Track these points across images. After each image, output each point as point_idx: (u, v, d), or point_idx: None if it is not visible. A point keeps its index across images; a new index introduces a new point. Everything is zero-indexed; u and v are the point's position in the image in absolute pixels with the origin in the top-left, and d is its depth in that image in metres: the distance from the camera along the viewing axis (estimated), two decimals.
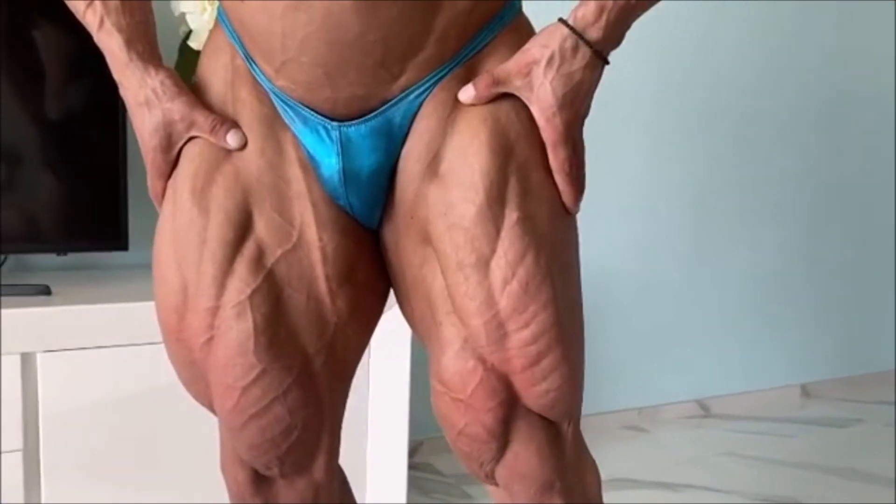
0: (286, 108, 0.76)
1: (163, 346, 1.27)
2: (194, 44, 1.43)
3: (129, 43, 0.75)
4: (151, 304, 1.30)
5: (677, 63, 2.27)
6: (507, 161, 0.73)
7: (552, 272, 0.72)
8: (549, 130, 0.73)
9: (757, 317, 2.52)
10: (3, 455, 1.20)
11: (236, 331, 0.74)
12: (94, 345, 1.25)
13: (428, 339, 0.79)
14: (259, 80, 0.76)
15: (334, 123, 0.74)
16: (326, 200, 0.76)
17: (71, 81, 1.43)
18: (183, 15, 1.42)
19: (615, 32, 0.72)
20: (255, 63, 0.76)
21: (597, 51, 0.71)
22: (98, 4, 0.75)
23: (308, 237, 0.75)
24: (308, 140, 0.76)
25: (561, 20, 0.72)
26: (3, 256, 1.50)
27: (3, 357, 1.19)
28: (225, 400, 0.76)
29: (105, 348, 1.25)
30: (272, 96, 0.76)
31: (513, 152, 0.73)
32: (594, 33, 0.71)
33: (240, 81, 0.77)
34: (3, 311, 1.19)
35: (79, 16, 0.77)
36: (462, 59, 0.74)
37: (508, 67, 0.72)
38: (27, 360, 1.21)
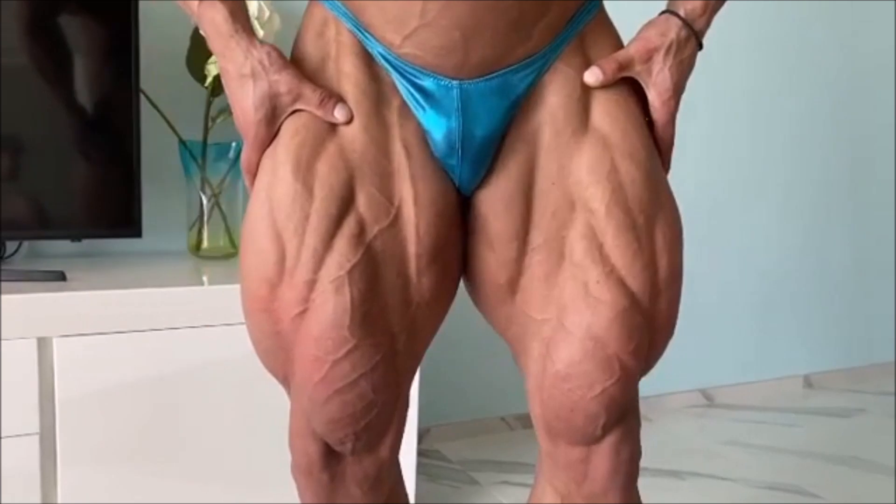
0: (404, 75, 0.77)
1: (175, 331, 1.30)
2: None
3: (234, 15, 0.76)
4: (165, 290, 1.33)
5: None
6: (648, 129, 0.82)
7: (683, 239, 0.82)
8: (663, 112, 0.81)
9: (761, 308, 2.53)
10: (20, 438, 1.22)
11: (333, 304, 0.75)
12: (110, 330, 1.26)
13: (546, 302, 0.80)
14: (373, 51, 0.78)
15: (455, 81, 0.76)
16: (425, 177, 0.78)
17: (86, 68, 1.44)
18: None
19: (710, 24, 0.81)
20: (368, 34, 0.77)
21: (700, 41, 0.81)
22: None
23: (404, 214, 0.77)
24: (422, 106, 0.78)
25: (671, 12, 0.81)
26: (18, 243, 1.52)
27: (20, 341, 1.21)
28: (312, 372, 0.77)
29: (120, 333, 1.27)
30: (387, 67, 0.78)
31: (647, 128, 0.82)
32: (700, 25, 0.80)
33: (344, 56, 0.78)
34: (20, 296, 1.21)
35: None
36: (575, 29, 0.79)
37: (631, 53, 0.80)
38: (43, 345, 1.23)
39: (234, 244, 1.60)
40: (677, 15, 0.80)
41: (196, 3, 0.76)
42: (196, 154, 1.55)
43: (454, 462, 1.95)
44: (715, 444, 2.12)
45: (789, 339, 2.60)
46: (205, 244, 1.59)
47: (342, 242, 0.75)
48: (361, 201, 0.76)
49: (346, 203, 0.76)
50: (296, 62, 0.80)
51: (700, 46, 0.81)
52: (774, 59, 2.44)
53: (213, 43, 0.78)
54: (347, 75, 0.78)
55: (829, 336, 2.68)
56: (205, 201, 1.57)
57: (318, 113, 0.77)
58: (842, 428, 2.29)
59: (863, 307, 2.74)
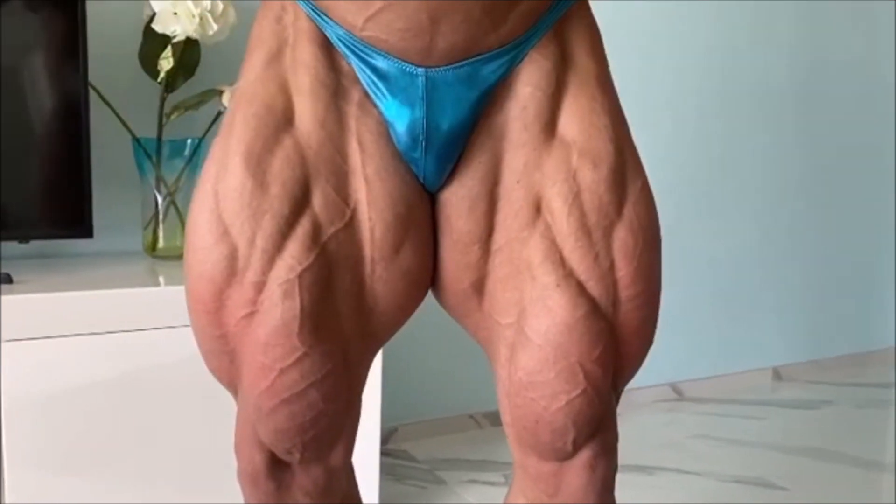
0: (365, 60, 0.73)
1: (126, 335, 1.26)
2: (158, 27, 1.40)
3: None
4: (116, 291, 1.29)
5: (658, 46, 2.27)
6: (624, 126, 0.77)
7: (660, 244, 0.78)
8: None
9: (728, 301, 2.54)
10: None
11: (282, 310, 0.70)
12: (57, 333, 1.22)
13: (508, 305, 0.77)
14: (332, 36, 0.73)
15: (421, 69, 0.71)
16: (383, 177, 0.74)
17: (33, 63, 1.40)
18: None
19: None
20: (327, 18, 0.73)
21: None
22: None
23: (359, 215, 0.73)
24: (385, 94, 0.73)
25: None
26: None
27: None
28: (259, 380, 0.73)
29: (68, 337, 1.23)
30: (346, 53, 0.73)
31: (625, 120, 0.78)
32: None
33: (302, 43, 0.74)
34: None
35: None
36: (554, 17, 0.74)
37: None
38: None
39: None
40: None
41: None
42: (150, 151, 1.51)
43: (421, 462, 1.93)
44: (685, 437, 2.12)
45: (758, 331, 2.61)
46: (160, 244, 1.55)
47: (294, 244, 0.71)
48: (317, 201, 0.72)
49: (299, 202, 0.72)
50: (252, 49, 0.76)
51: None
52: (744, 57, 2.44)
53: None
54: (305, 64, 0.73)
55: (797, 328, 2.69)
56: (160, 200, 1.53)
57: None
58: (810, 420, 2.30)
59: (830, 298, 2.76)
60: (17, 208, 1.37)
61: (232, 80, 1.59)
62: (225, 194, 0.71)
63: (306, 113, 0.73)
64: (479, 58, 0.72)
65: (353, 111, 0.74)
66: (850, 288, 2.80)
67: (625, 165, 0.76)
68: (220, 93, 1.50)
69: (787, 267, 2.65)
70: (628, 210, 0.75)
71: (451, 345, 1.95)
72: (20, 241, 1.39)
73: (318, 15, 0.74)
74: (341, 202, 0.73)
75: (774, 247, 2.61)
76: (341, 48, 0.74)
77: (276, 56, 0.74)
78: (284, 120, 0.73)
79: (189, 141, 1.54)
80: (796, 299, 2.68)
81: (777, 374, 2.65)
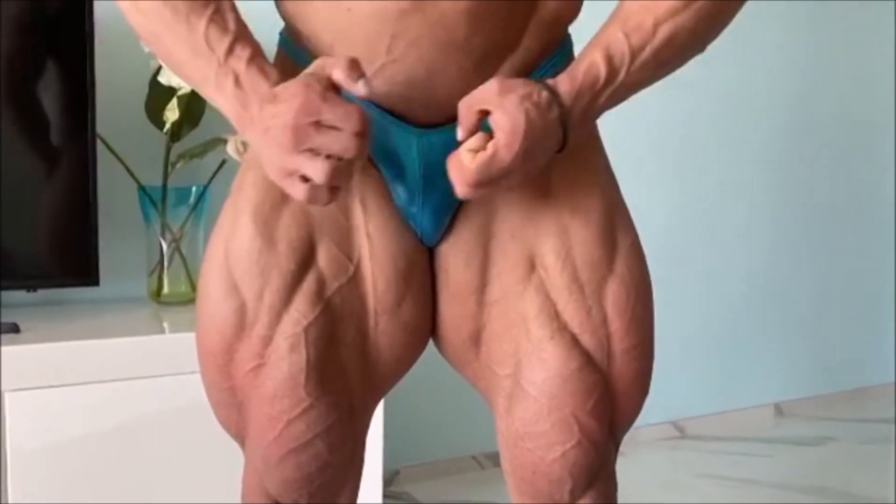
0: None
1: (131, 383, 1.28)
2: (163, 79, 1.44)
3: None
4: (122, 340, 1.31)
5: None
6: (613, 186, 0.80)
7: (652, 297, 0.80)
8: (503, 148, 0.70)
9: (729, 337, 2.55)
10: None
11: (288, 363, 0.73)
12: (63, 383, 1.24)
13: (505, 357, 0.79)
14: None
15: (419, 130, 0.75)
16: (384, 234, 0.77)
17: (42, 113, 1.43)
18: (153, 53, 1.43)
19: (583, 107, 0.72)
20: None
21: (564, 110, 0.71)
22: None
23: (362, 271, 0.77)
24: (385, 154, 0.76)
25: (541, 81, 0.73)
26: None
27: None
28: (266, 431, 0.75)
29: (74, 386, 1.24)
30: None
31: (615, 180, 0.81)
32: (564, 90, 0.71)
33: None
34: None
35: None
36: (542, 77, 0.76)
37: (485, 87, 0.71)
38: None
39: (195, 289, 1.58)
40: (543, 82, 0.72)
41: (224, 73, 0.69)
42: (156, 199, 1.54)
43: None
44: (687, 476, 2.12)
45: (758, 367, 2.61)
46: (165, 290, 1.57)
47: (300, 299, 0.74)
48: (321, 257, 0.76)
49: (306, 258, 0.75)
50: None
51: (565, 133, 0.71)
52: (738, 89, 2.48)
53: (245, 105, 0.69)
54: None
55: (798, 364, 2.70)
56: (165, 246, 1.55)
57: (346, 76, 0.66)
58: (813, 457, 2.29)
59: (830, 335, 2.76)
60: (25, 258, 1.40)
61: (236, 129, 1.62)
62: (235, 251, 0.75)
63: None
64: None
65: (356, 172, 0.77)
66: (850, 323, 2.81)
67: (615, 222, 0.79)
68: (225, 141, 1.53)
69: (787, 303, 2.66)
70: (619, 265, 0.78)
71: (452, 386, 1.96)
72: (28, 291, 1.41)
73: None
74: (345, 258, 0.76)
75: (774, 283, 2.63)
76: None
77: None
78: None
79: (194, 188, 1.57)
80: (796, 335, 2.69)
81: (779, 410, 2.65)
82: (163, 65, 1.44)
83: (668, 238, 2.39)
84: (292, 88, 0.66)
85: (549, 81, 0.71)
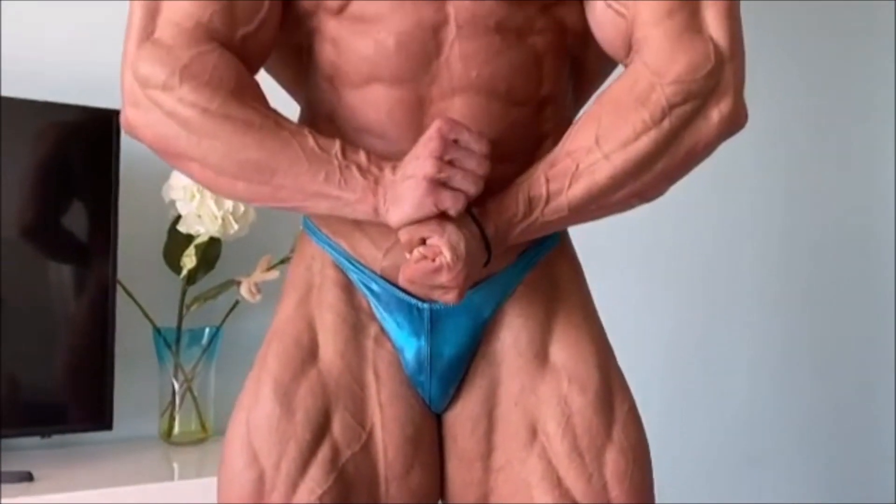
0: (380, 296, 0.82)
1: None
2: (182, 228, 1.51)
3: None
4: (136, 487, 1.32)
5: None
6: (609, 354, 0.85)
7: (650, 462, 0.84)
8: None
9: (739, 467, 2.53)
10: None
11: None
12: None
13: None
14: (355, 278, 0.83)
15: (426, 304, 0.81)
16: (395, 403, 0.82)
17: (62, 259, 1.49)
18: (173, 202, 1.50)
19: (508, 229, 0.79)
20: (353, 260, 0.83)
21: (486, 237, 0.78)
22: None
23: (374, 438, 0.81)
24: (396, 326, 0.82)
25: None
26: None
27: None
28: None
29: None
30: (366, 292, 0.83)
31: (610, 347, 0.86)
32: (489, 220, 0.78)
33: (328, 287, 0.84)
34: None
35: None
36: (537, 256, 0.85)
37: None
38: None
39: (205, 428, 1.60)
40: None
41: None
42: (170, 341, 1.58)
43: None
44: None
45: (771, 494, 2.58)
46: (176, 430, 1.58)
47: (315, 468, 0.79)
48: (336, 426, 0.80)
49: (321, 428, 0.80)
50: (286, 291, 0.87)
51: (488, 248, 0.77)
52: (731, 208, 2.56)
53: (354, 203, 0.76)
54: (329, 304, 0.84)
55: (810, 488, 2.66)
56: (177, 387, 1.58)
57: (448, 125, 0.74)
58: None
59: (840, 469, 2.74)
60: (40, 404, 1.42)
61: (250, 271, 1.68)
62: (255, 422, 0.80)
63: (329, 347, 0.82)
64: (472, 288, 0.81)
65: (370, 344, 0.83)
66: (856, 453, 2.79)
67: (611, 390, 0.84)
68: (238, 283, 1.58)
69: (793, 427, 2.65)
70: (617, 432, 0.82)
71: None
72: (42, 437, 1.43)
73: (346, 259, 0.84)
74: (358, 427, 0.81)
75: (779, 411, 2.63)
76: (362, 289, 0.83)
77: (305, 298, 0.85)
78: (310, 353, 0.82)
79: (207, 330, 1.61)
80: (807, 457, 2.66)
81: None
82: (182, 214, 1.50)
83: (670, 370, 2.41)
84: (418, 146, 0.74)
85: (476, 212, 0.76)
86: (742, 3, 0.82)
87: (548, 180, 0.76)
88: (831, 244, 2.77)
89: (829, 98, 2.67)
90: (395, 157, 0.76)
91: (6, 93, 1.41)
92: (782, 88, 2.52)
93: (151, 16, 0.76)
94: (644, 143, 0.74)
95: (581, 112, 0.82)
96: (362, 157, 0.76)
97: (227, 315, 1.62)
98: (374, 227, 0.80)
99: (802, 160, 2.66)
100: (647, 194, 0.79)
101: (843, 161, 2.74)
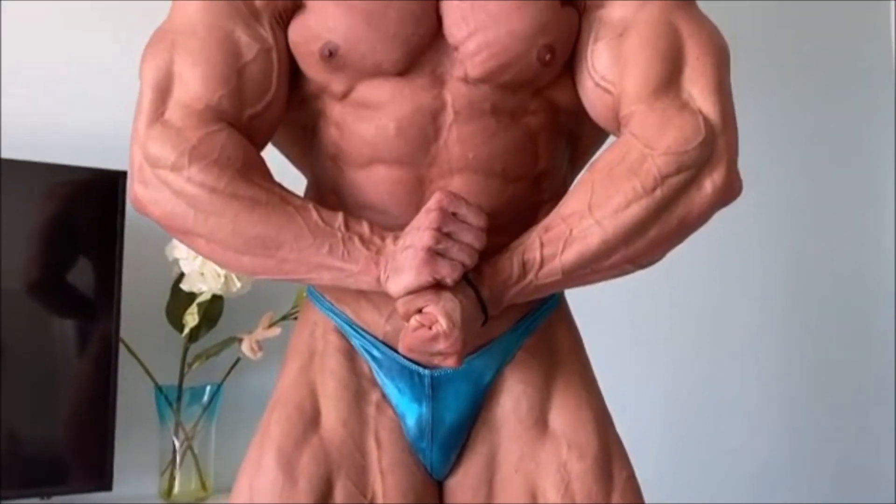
0: (382, 362, 0.83)
1: None
2: (185, 286, 1.52)
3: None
4: None
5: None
6: (608, 422, 0.86)
7: None
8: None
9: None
10: None
11: None
12: None
13: None
14: (357, 344, 0.85)
15: (427, 370, 0.82)
16: (396, 470, 0.83)
17: (66, 316, 1.50)
18: (176, 260, 1.52)
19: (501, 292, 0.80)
20: (355, 326, 0.85)
21: (483, 304, 0.79)
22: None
23: None
24: (397, 392, 0.83)
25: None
26: None
27: None
28: None
29: None
30: (368, 358, 0.84)
31: (608, 414, 0.87)
32: (485, 284, 0.79)
33: (330, 353, 0.86)
34: None
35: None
36: (536, 322, 0.86)
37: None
38: None
39: (205, 487, 1.59)
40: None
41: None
42: (171, 398, 1.58)
43: None
44: None
45: None
46: (176, 489, 1.57)
47: None
48: (338, 494, 0.81)
49: (324, 496, 0.81)
50: (289, 357, 0.88)
51: (484, 310, 0.78)
52: (731, 269, 2.57)
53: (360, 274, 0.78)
54: (332, 370, 0.85)
55: None
56: (177, 445, 1.57)
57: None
58: None
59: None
60: (40, 462, 1.42)
61: (251, 328, 1.68)
62: (259, 490, 0.81)
63: (331, 414, 0.83)
64: (471, 354, 0.82)
65: (371, 411, 0.84)
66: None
67: (610, 456, 0.85)
68: (240, 340, 1.59)
69: (800, 483, 2.62)
70: (616, 499, 0.83)
71: None
72: (42, 498, 1.42)
73: (348, 325, 0.85)
74: (360, 494, 0.82)
75: (774, 475, 2.60)
76: (364, 355, 0.84)
77: (308, 364, 0.86)
78: (312, 420, 0.83)
79: (208, 387, 1.61)
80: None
81: None
82: (185, 273, 1.51)
83: (670, 428, 2.40)
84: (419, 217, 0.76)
85: (471, 275, 0.77)
86: (734, 55, 0.83)
87: (542, 244, 0.78)
88: (834, 302, 2.77)
89: (830, 153, 2.71)
90: (397, 230, 0.78)
91: (17, 156, 1.44)
92: (783, 144, 2.56)
93: (162, 97, 0.78)
94: (635, 210, 0.76)
95: (577, 179, 0.85)
96: (365, 228, 0.78)
97: (228, 372, 1.62)
98: (378, 292, 0.81)
99: (804, 217, 2.69)
100: (640, 260, 0.80)
101: (844, 217, 2.76)
